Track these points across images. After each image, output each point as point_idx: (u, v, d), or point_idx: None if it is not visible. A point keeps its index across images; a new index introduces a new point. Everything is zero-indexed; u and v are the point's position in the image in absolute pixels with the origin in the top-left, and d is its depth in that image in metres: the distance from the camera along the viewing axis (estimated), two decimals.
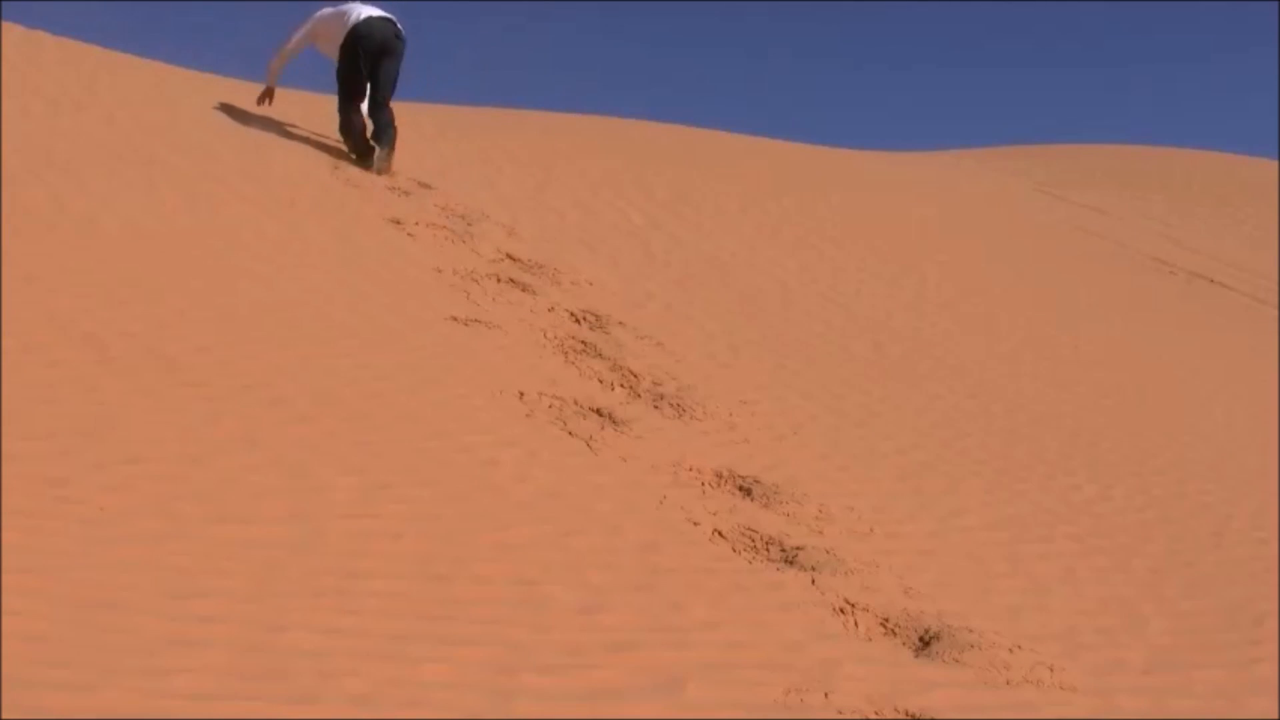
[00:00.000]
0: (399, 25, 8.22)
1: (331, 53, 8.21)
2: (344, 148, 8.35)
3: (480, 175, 9.03)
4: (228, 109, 8.84)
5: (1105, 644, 3.79)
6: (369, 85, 8.10)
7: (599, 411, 4.88)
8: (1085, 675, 3.52)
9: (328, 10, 8.31)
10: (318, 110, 9.33)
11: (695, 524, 4.03)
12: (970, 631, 3.61)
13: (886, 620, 3.59)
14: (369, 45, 8.01)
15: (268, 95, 8.57)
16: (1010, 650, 3.54)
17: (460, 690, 2.78)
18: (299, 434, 4.03)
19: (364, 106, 8.20)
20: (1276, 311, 11.36)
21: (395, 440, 4.17)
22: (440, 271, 6.40)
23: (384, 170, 7.96)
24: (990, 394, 6.78)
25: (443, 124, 10.39)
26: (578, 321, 6.10)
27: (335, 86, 8.21)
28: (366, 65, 8.03)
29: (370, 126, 8.16)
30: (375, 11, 8.17)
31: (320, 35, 8.28)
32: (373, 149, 7.98)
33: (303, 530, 3.39)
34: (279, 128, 8.73)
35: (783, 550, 3.94)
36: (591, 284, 6.91)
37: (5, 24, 8.95)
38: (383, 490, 3.76)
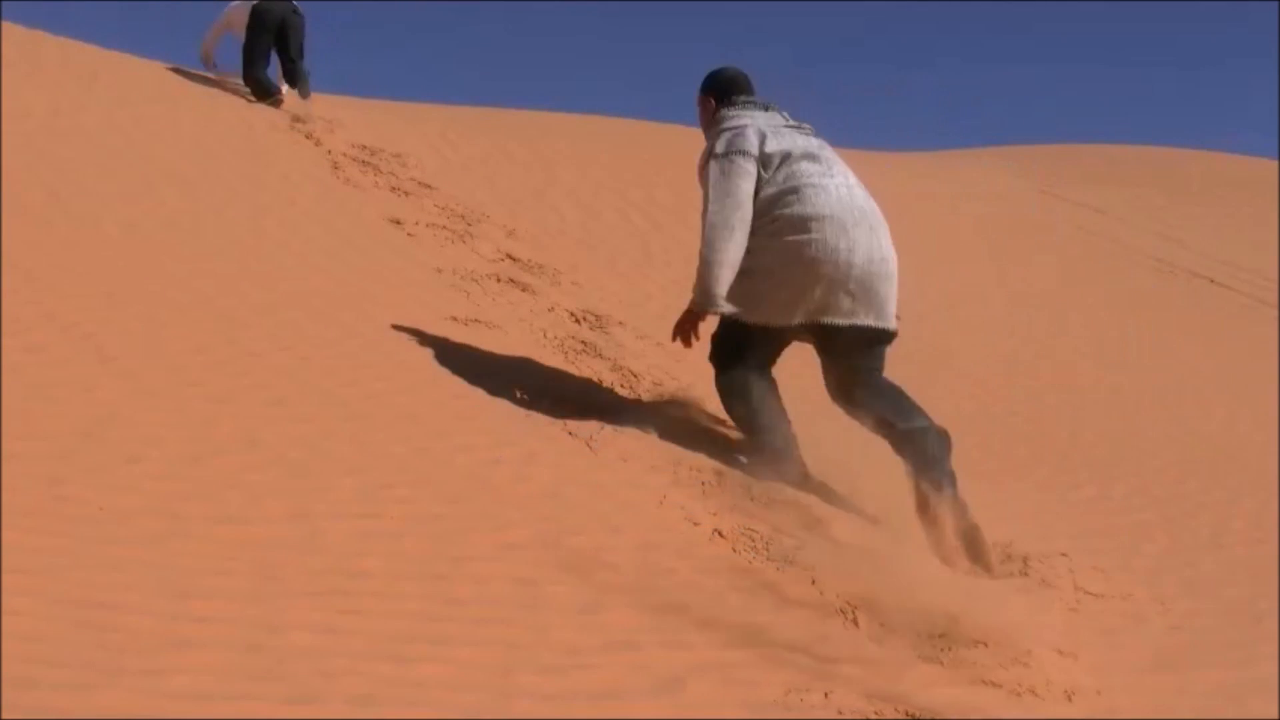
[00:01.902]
0: (296, 3, 9.59)
1: (240, 34, 9.54)
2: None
3: (480, 175, 9.04)
4: (228, 108, 8.84)
5: (1105, 644, 3.79)
6: (281, 55, 9.50)
7: (599, 411, 4.87)
8: (1085, 675, 3.52)
9: (235, 3, 9.65)
10: (317, 111, 9.35)
11: (695, 524, 4.02)
12: (970, 631, 3.61)
13: (886, 621, 3.59)
14: (269, 20, 9.39)
15: (211, 68, 9.85)
16: (1011, 650, 3.54)
17: (460, 690, 2.78)
18: (299, 434, 4.03)
19: (273, 77, 9.58)
20: (1276, 311, 11.36)
21: (395, 440, 4.16)
22: (440, 271, 6.40)
23: (306, 97, 9.42)
24: (990, 394, 6.79)
25: (443, 124, 10.40)
26: (578, 321, 6.10)
27: (248, 59, 9.46)
28: (269, 38, 9.41)
29: (285, 87, 9.57)
30: None
31: (234, 24, 9.60)
32: (274, 90, 9.34)
33: (303, 530, 3.39)
34: (279, 128, 8.74)
35: (783, 550, 3.93)
36: (592, 284, 6.92)
37: (5, 24, 8.95)
38: (383, 490, 3.76)
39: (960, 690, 3.26)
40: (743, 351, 4.53)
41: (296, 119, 9.04)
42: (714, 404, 5.35)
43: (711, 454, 4.75)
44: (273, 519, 3.42)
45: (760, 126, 4.43)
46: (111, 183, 6.49)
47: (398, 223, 7.16)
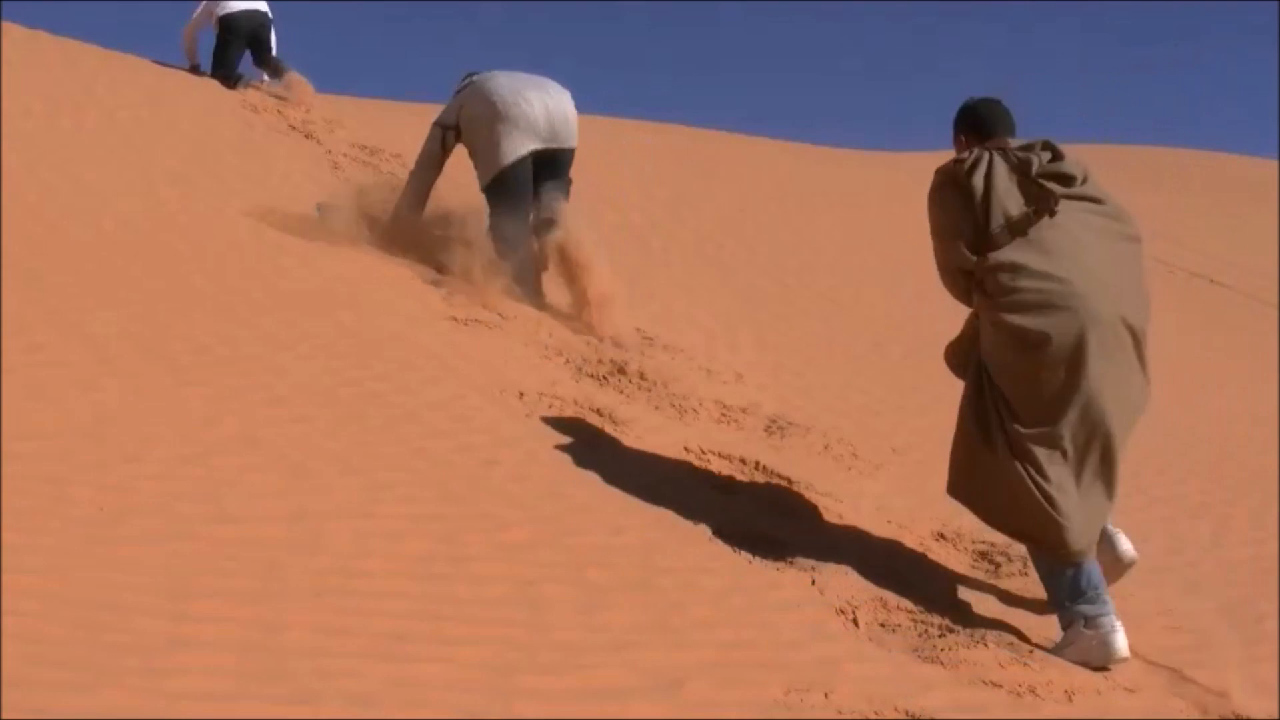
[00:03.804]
0: (267, 13, 9.85)
1: (217, 27, 9.80)
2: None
3: None
4: (228, 108, 8.84)
5: None
6: (255, 58, 9.78)
7: (599, 412, 4.88)
8: (1085, 675, 3.52)
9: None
10: (318, 110, 9.35)
11: (695, 524, 4.03)
12: (970, 631, 3.61)
13: (886, 621, 3.59)
14: (241, 30, 9.66)
15: (194, 68, 9.96)
16: (1011, 650, 3.54)
17: (460, 690, 2.78)
18: (299, 434, 4.03)
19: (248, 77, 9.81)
20: (1276, 311, 11.35)
21: (395, 440, 4.17)
22: (440, 271, 6.39)
23: (286, 74, 9.66)
24: None
25: None
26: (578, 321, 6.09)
27: (218, 62, 9.78)
28: (240, 44, 9.69)
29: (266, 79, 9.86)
30: (245, 6, 9.71)
31: (213, 15, 9.77)
32: (238, 79, 9.64)
33: (303, 530, 3.39)
34: (279, 127, 8.74)
35: (783, 550, 3.93)
36: None
37: (5, 24, 8.95)
38: (383, 490, 3.76)
39: (960, 690, 3.26)
40: (504, 196, 6.17)
41: (282, 102, 9.29)
42: (712, 402, 5.35)
43: (711, 454, 4.76)
44: (273, 519, 3.43)
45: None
46: (111, 182, 6.49)
47: None
